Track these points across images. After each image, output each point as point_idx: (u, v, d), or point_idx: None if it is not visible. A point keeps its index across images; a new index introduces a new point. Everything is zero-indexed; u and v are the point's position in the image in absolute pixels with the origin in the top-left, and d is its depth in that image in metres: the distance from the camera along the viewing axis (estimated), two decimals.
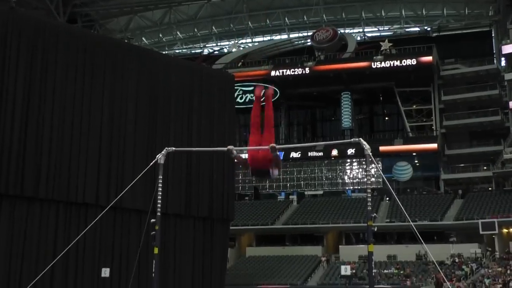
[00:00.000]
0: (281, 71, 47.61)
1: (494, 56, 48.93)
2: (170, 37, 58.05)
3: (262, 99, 9.46)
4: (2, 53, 17.63)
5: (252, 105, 8.94)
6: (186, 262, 22.13)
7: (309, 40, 51.69)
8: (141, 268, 18.56)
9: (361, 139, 9.36)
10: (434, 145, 43.96)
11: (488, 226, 35.60)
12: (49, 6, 46.91)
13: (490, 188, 42.76)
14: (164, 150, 10.07)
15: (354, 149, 44.06)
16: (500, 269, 32.39)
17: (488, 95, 44.28)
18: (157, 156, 9.92)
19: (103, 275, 19.23)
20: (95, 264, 19.15)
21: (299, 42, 54.81)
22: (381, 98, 50.29)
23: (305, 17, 53.56)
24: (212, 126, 23.80)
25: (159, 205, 9.81)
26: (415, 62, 44.36)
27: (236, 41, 56.38)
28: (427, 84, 45.95)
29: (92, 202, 19.11)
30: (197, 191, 22.60)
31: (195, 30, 56.94)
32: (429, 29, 52.54)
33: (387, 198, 42.20)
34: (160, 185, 9.89)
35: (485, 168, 43.47)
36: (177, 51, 58.09)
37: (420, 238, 9.88)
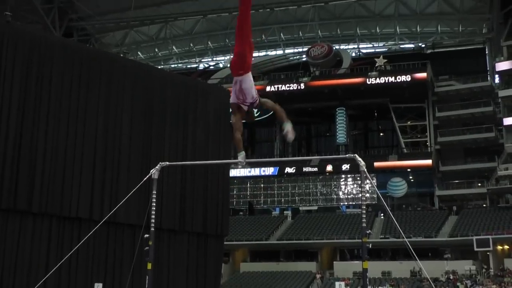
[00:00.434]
0: (276, 86, 47.77)
1: (488, 73, 49.27)
2: (166, 51, 58.21)
3: None
4: None
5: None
6: (180, 277, 21.98)
7: (304, 56, 51.95)
8: (135, 283, 18.41)
9: (356, 155, 9.37)
10: (428, 161, 44.06)
11: (483, 243, 35.57)
12: (45, 20, 47.03)
13: (484, 205, 42.81)
14: (158, 165, 10.05)
15: (348, 165, 44.10)
16: (494, 286, 32.31)
17: (482, 112, 44.50)
18: (151, 171, 9.90)
19: None
20: (88, 279, 18.99)
21: (294, 57, 55.07)
22: (375, 114, 50.48)
23: (300, 33, 53.83)
24: (207, 141, 23.77)
25: (153, 220, 9.76)
26: (409, 79, 44.61)
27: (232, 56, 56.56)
28: (422, 100, 46.17)
29: (85, 216, 19.00)
30: (191, 206, 22.51)
31: (191, 45, 57.13)
32: (423, 46, 52.90)
33: (382, 214, 42.18)
34: (154, 200, 9.86)
35: (479, 184, 43.58)
36: (172, 65, 58.22)
37: (415, 254, 9.86)
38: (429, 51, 52.17)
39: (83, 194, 19.12)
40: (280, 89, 47.54)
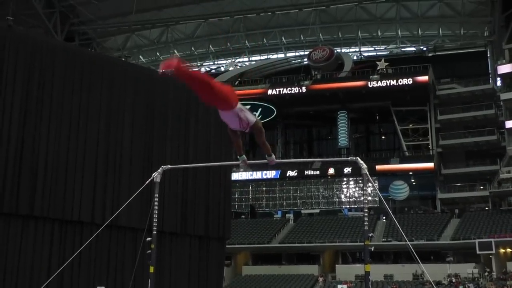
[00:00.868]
0: (278, 89, 47.80)
1: (490, 76, 49.29)
2: (167, 55, 58.19)
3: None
4: None
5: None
6: (181, 280, 21.97)
7: (305, 59, 52.00)
8: (137, 286, 18.40)
9: (358, 158, 9.37)
10: (430, 164, 44.02)
11: (485, 246, 35.53)
12: (47, 24, 47.18)
13: (486, 208, 42.76)
14: (160, 168, 10.06)
15: (350, 168, 44.07)
16: None
17: (484, 115, 44.47)
18: (153, 174, 9.91)
19: None
20: (90, 283, 18.98)
21: (296, 61, 55.13)
22: (377, 117, 50.47)
23: (301, 36, 53.92)
24: (209, 144, 23.78)
25: (155, 223, 9.76)
26: (411, 82, 44.61)
27: (233, 60, 56.66)
28: (423, 103, 46.15)
29: (87, 220, 18.99)
30: (193, 209, 22.51)
31: (192, 48, 57.23)
32: (425, 49, 52.93)
33: (384, 218, 42.13)
34: (156, 203, 9.86)
35: (481, 187, 43.51)
36: None
37: (417, 257, 9.85)
38: (430, 54, 52.19)
39: (85, 197, 19.13)
40: (281, 93, 47.58)
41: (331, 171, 45.61)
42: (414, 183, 45.53)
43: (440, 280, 34.74)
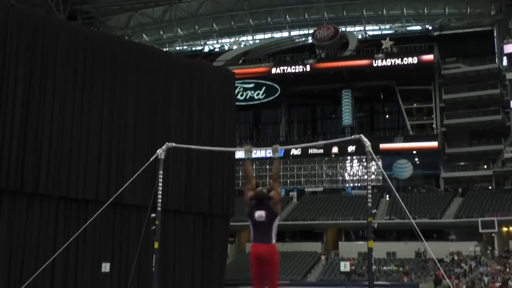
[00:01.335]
0: (281, 68, 47.58)
1: (496, 55, 48.89)
2: (170, 34, 57.99)
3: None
4: (2, 50, 17.65)
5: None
6: (186, 257, 22.18)
7: (310, 38, 51.65)
8: (141, 263, 18.60)
9: (361, 135, 9.36)
10: (434, 144, 43.96)
11: (488, 224, 35.64)
12: (49, 3, 46.86)
13: (490, 187, 42.76)
14: (165, 145, 10.06)
15: (354, 146, 44.03)
16: (499, 267, 32.41)
17: (489, 94, 44.21)
18: (158, 151, 9.92)
19: (103, 270, 19.30)
20: (95, 259, 19.21)
21: (300, 39, 54.76)
22: (381, 96, 50.25)
23: (306, 14, 53.52)
24: (213, 122, 23.84)
25: (159, 200, 9.82)
26: (416, 61, 44.33)
27: (237, 39, 56.35)
28: (428, 82, 45.91)
29: (92, 198, 19.15)
30: (197, 187, 22.65)
31: (196, 27, 56.89)
32: (430, 28, 52.44)
33: (387, 196, 42.23)
34: (161, 180, 9.90)
35: (485, 167, 43.44)
36: (177, 48, 58.04)
37: (421, 235, 9.90)
38: (436, 33, 51.71)
39: (89, 176, 19.26)
40: (285, 71, 47.38)
41: (334, 149, 45.61)
42: (418, 162, 45.50)
43: (443, 258, 34.92)
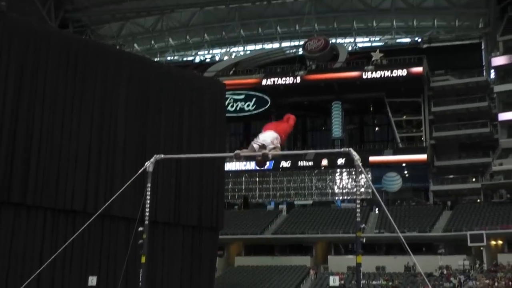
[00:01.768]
0: (272, 80, 47.69)
1: (484, 68, 49.30)
2: (162, 44, 57.99)
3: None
4: None
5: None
6: (174, 270, 21.98)
7: (300, 50, 51.88)
8: (129, 276, 18.39)
9: (351, 149, 9.32)
10: (423, 156, 44.12)
11: (477, 238, 35.71)
12: (41, 11, 46.74)
13: (478, 200, 42.93)
14: (153, 157, 9.98)
15: (344, 159, 44.11)
16: (487, 281, 32.45)
17: (477, 107, 44.53)
18: (146, 164, 9.83)
19: (90, 283, 19.05)
20: (83, 272, 18.96)
21: (291, 51, 54.99)
22: (371, 109, 50.48)
23: (297, 26, 53.73)
24: (203, 134, 23.73)
25: (147, 213, 9.71)
26: (405, 73, 44.61)
27: (228, 49, 56.46)
28: (417, 95, 46.16)
29: (80, 209, 18.94)
30: (186, 199, 22.49)
31: (187, 37, 56.94)
32: (419, 40, 52.86)
33: (376, 209, 42.23)
34: (149, 193, 9.80)
35: (473, 180, 43.66)
36: (169, 58, 58.04)
37: (409, 249, 9.85)
38: (425, 45, 52.13)
39: (77, 186, 19.06)
40: (276, 83, 47.49)
41: (324, 162, 45.64)
42: (407, 175, 45.63)
43: (432, 272, 34.95)
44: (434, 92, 46.39)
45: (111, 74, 20.87)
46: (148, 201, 9.80)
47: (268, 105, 47.76)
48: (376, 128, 53.21)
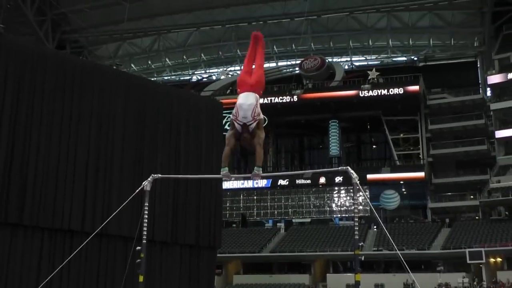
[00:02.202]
0: (269, 98, 47.84)
1: (480, 86, 49.60)
2: (159, 64, 58.28)
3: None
4: None
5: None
6: None
7: (297, 68, 52.14)
8: None
9: (348, 167, 9.38)
10: (421, 174, 44.16)
11: (476, 255, 35.62)
12: (38, 32, 47.02)
13: (477, 217, 42.89)
14: (150, 177, 10.04)
15: (341, 177, 44.12)
16: None
17: (474, 125, 44.72)
18: (143, 183, 9.88)
19: None
20: None
21: (287, 70, 55.27)
22: (368, 127, 50.62)
23: (293, 45, 54.08)
24: (200, 153, 23.73)
25: (145, 232, 9.72)
26: (402, 91, 44.83)
27: (225, 69, 56.74)
28: (414, 113, 46.37)
29: (77, 229, 18.87)
30: (183, 218, 22.43)
31: (184, 57, 57.24)
32: (415, 59, 53.24)
33: (375, 227, 42.16)
34: (146, 212, 9.82)
35: (471, 197, 43.66)
36: (165, 77, 58.29)
37: (407, 267, 9.85)
38: (421, 64, 52.51)
39: (75, 206, 19.01)
40: (273, 102, 47.64)
41: (322, 180, 45.65)
42: (405, 193, 45.64)
43: None
44: (430, 110, 46.61)
45: (108, 94, 20.94)
46: (146, 220, 9.82)
47: (265, 123, 47.77)
48: (373, 146, 53.32)
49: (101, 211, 19.38)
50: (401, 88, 44.95)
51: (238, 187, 46.92)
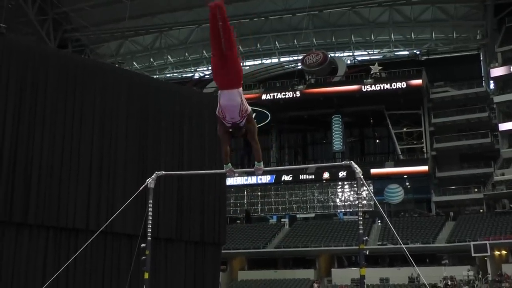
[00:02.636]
0: (271, 94, 47.85)
1: (483, 79, 49.47)
2: (161, 61, 58.29)
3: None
4: None
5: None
6: (177, 286, 21.89)
7: (299, 64, 52.08)
8: None
9: (352, 162, 9.38)
10: (425, 168, 44.12)
11: (480, 248, 35.61)
12: (40, 31, 47.07)
13: (481, 210, 42.87)
14: (154, 174, 10.06)
15: (345, 172, 44.13)
16: None
17: (477, 118, 44.64)
18: (147, 180, 9.91)
19: None
20: None
21: (290, 65, 55.20)
22: (371, 121, 50.59)
23: (295, 41, 54.02)
24: (203, 150, 23.73)
25: (149, 230, 9.74)
26: (405, 85, 44.75)
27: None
28: (417, 107, 46.29)
29: (82, 227, 18.90)
30: (188, 215, 22.45)
31: (186, 54, 57.25)
32: (418, 52, 53.11)
33: (379, 221, 42.16)
34: (151, 209, 9.84)
35: (476, 190, 43.63)
36: (168, 75, 58.31)
37: (412, 261, 9.85)
38: (424, 57, 52.37)
39: (79, 204, 19.05)
40: (275, 97, 47.64)
41: (326, 175, 45.66)
42: (409, 187, 45.61)
43: (436, 283, 34.77)
44: (434, 104, 46.53)
45: (110, 93, 20.94)
46: (150, 218, 9.84)
47: (268, 119, 47.86)
48: (377, 141, 53.28)
49: (105, 209, 19.41)
50: (404, 82, 44.88)
51: (242, 183, 46.99)
